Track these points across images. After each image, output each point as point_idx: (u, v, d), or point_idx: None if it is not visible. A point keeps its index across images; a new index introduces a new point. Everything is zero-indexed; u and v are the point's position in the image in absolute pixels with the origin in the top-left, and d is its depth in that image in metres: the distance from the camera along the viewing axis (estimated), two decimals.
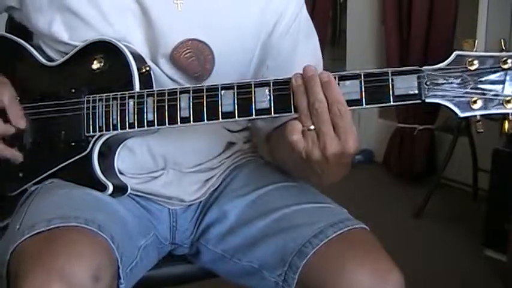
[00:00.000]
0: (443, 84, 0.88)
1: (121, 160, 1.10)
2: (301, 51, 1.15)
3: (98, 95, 1.05)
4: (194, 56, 1.08)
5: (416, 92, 0.89)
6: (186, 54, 1.07)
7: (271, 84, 0.94)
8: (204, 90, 0.98)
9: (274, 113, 0.94)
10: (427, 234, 2.52)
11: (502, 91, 0.86)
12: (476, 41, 0.87)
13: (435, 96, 0.89)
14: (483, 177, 2.56)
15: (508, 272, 2.07)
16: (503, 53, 0.86)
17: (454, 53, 0.88)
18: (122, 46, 1.04)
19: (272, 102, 0.94)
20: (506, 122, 0.87)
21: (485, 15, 2.49)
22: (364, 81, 0.91)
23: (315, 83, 0.90)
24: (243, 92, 0.96)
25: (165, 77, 1.08)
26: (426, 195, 2.66)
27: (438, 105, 0.89)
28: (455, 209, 2.72)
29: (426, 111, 2.95)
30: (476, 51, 0.87)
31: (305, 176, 1.07)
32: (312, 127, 0.90)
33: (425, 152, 3.02)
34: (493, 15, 2.50)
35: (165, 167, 1.14)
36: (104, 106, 1.04)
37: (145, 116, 1.01)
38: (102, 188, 1.05)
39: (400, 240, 2.28)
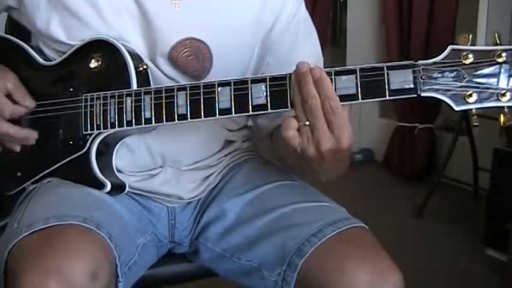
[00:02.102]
0: (438, 78, 0.88)
1: (119, 158, 1.10)
2: (301, 47, 1.15)
3: (95, 94, 1.05)
4: (193, 55, 1.08)
5: (412, 86, 0.89)
6: (184, 53, 1.07)
7: (268, 80, 0.95)
8: (201, 87, 0.98)
9: (270, 109, 0.95)
10: (427, 234, 2.51)
11: (497, 84, 0.86)
12: (471, 36, 0.87)
13: (431, 90, 0.89)
14: (483, 176, 2.56)
15: (508, 272, 2.06)
16: (498, 47, 0.86)
17: (449, 47, 0.88)
18: (119, 45, 1.04)
19: (268, 98, 0.95)
20: (502, 115, 0.87)
21: (486, 12, 2.49)
22: (360, 76, 0.91)
23: (308, 79, 0.91)
24: (240, 88, 0.96)
25: (164, 76, 1.09)
26: (426, 194, 2.66)
27: (433, 100, 0.89)
28: (456, 208, 2.72)
29: (426, 110, 2.94)
30: (471, 45, 0.87)
31: (303, 173, 1.07)
32: (307, 123, 0.91)
33: (425, 151, 3.02)
34: (493, 11, 2.50)
35: (163, 165, 1.14)
36: (101, 104, 1.04)
37: (142, 114, 1.01)
38: (100, 186, 1.06)
39: (400, 240, 2.28)
